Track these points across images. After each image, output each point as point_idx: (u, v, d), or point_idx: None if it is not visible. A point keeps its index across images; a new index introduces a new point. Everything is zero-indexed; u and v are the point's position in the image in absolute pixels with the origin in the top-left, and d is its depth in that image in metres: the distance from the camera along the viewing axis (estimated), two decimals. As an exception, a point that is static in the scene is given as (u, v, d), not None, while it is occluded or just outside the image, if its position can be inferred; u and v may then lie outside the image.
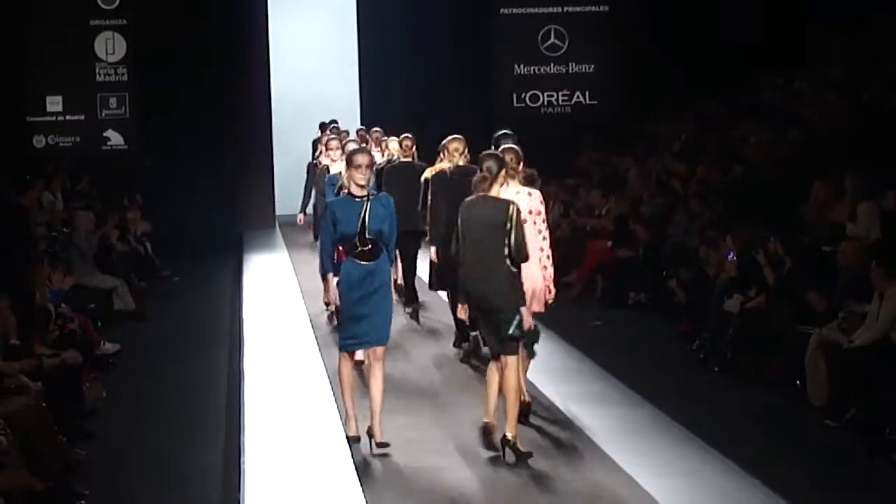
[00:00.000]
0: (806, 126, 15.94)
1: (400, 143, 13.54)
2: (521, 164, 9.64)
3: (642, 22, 21.90)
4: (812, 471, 8.87)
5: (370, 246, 8.98)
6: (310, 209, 16.64)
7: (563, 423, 9.78)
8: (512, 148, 9.72)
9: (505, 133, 10.50)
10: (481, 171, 8.97)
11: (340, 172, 10.94)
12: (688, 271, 13.62)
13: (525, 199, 9.41)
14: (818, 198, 12.73)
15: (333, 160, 13.61)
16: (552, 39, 22.57)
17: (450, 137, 11.73)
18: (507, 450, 8.80)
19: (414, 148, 13.45)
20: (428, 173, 11.92)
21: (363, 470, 8.73)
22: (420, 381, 11.21)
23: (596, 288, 15.50)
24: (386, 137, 15.17)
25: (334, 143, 14.28)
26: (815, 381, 10.22)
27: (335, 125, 19.70)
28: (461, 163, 11.51)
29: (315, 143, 23.15)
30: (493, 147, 10.01)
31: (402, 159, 13.47)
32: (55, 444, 8.79)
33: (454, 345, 12.19)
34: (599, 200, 16.90)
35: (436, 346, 12.59)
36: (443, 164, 11.68)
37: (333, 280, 9.09)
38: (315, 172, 15.61)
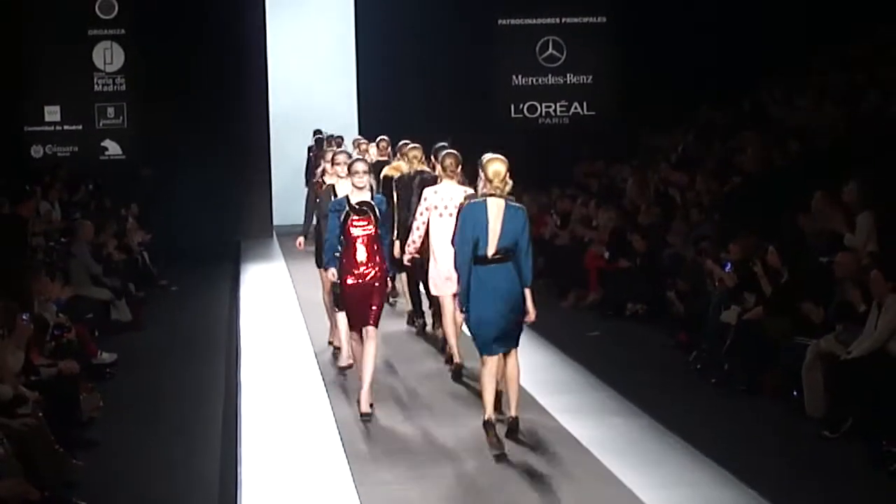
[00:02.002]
0: (804, 136, 15.95)
1: (377, 145, 14.92)
2: (460, 167, 11.22)
3: (640, 33, 21.95)
4: (809, 482, 8.86)
5: None
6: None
7: (560, 434, 9.77)
8: (452, 152, 11.30)
9: (443, 145, 11.97)
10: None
11: (347, 196, 10.44)
12: (685, 282, 13.62)
13: (462, 196, 10.51)
14: (819, 208, 12.72)
15: (340, 176, 11.60)
16: (550, 50, 22.62)
17: (410, 146, 12.95)
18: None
19: (389, 149, 15.03)
20: (390, 171, 13.32)
21: (361, 481, 8.72)
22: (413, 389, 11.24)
23: (593, 298, 15.53)
24: (366, 141, 16.28)
25: (342, 158, 11.83)
26: (813, 393, 10.23)
27: (338, 137, 19.72)
28: (419, 168, 12.68)
29: (310, 150, 23.18)
30: (433, 158, 11.99)
31: (378, 158, 15.03)
32: (52, 454, 8.79)
33: (408, 323, 13.66)
34: (596, 211, 16.90)
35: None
36: (402, 166, 12.99)
37: None
38: (317, 192, 12.75)
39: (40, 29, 21.49)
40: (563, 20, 22.64)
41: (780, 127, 17.03)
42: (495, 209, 9.22)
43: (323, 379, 11.62)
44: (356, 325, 10.40)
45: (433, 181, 11.80)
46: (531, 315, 9.38)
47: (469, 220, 9.25)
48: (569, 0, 22.65)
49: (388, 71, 22.13)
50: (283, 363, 12.50)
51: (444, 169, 11.33)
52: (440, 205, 11.25)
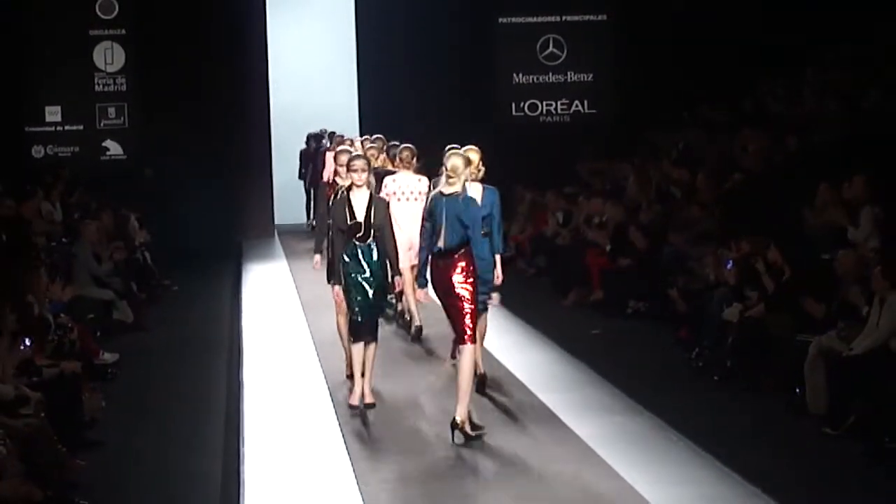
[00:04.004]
0: (806, 133, 15.94)
1: (362, 144, 14.98)
2: (415, 158, 12.83)
3: (641, 30, 21.92)
4: (811, 479, 8.87)
5: None
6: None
7: (562, 431, 9.78)
8: (408, 146, 12.91)
9: (395, 144, 13.89)
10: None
11: (441, 192, 9.75)
12: (687, 279, 13.62)
13: (416, 184, 12.64)
14: (823, 200, 12.71)
15: (358, 185, 10.48)
16: (551, 48, 22.59)
17: (369, 144, 14.54)
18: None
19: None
20: None
21: (362, 477, 8.73)
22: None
23: (595, 297, 15.54)
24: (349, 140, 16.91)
25: (359, 164, 10.57)
26: (815, 389, 10.23)
27: (337, 136, 19.72)
28: (377, 164, 13.61)
29: (304, 155, 23.16)
30: (387, 154, 13.94)
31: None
32: (55, 454, 8.80)
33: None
34: (599, 208, 16.88)
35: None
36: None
37: None
38: (327, 196, 11.67)
39: (41, 29, 21.44)
40: (564, 18, 22.59)
41: (781, 124, 17.02)
42: (475, 192, 10.19)
43: (325, 378, 11.62)
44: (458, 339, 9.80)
45: (387, 173, 13.24)
46: (499, 278, 10.54)
47: None
48: (569, -2, 22.66)
49: (388, 70, 22.11)
50: (285, 363, 12.50)
51: (401, 161, 13.00)
52: (398, 191, 12.71)
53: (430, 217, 9.72)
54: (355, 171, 10.48)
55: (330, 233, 10.83)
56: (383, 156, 14.45)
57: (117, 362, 12.58)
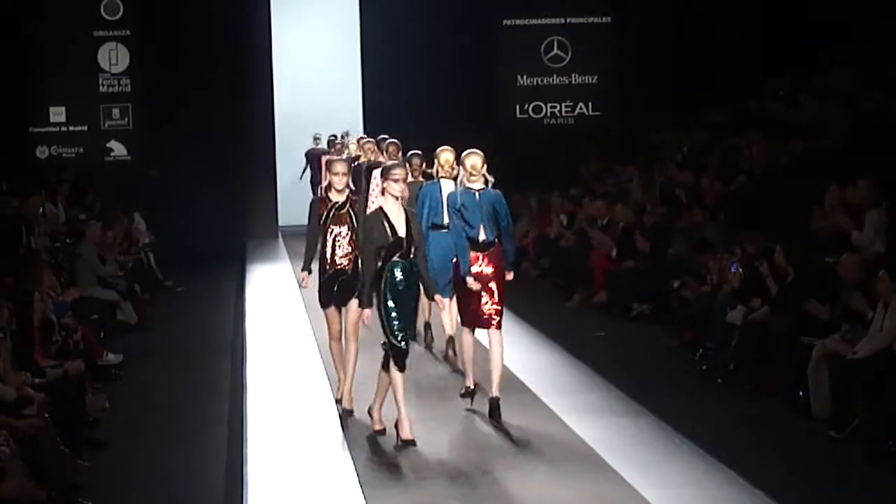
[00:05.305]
0: (808, 135, 15.93)
1: (358, 142, 15.67)
2: (400, 152, 13.32)
3: (644, 33, 21.92)
4: (815, 482, 8.86)
5: None
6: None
7: (566, 434, 9.77)
8: (393, 141, 13.70)
9: (383, 137, 14.60)
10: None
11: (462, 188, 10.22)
12: (691, 282, 13.61)
13: None
14: (832, 202, 12.69)
15: (395, 195, 9.57)
16: (555, 51, 22.59)
17: (365, 140, 15.27)
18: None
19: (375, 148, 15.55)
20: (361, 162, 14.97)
21: (366, 480, 8.73)
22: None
23: (599, 299, 15.53)
24: (340, 141, 18.23)
25: (399, 173, 9.64)
26: (818, 393, 10.22)
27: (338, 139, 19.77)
28: (370, 158, 14.33)
29: (310, 158, 23.13)
30: (377, 147, 14.54)
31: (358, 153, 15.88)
32: (58, 455, 8.80)
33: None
34: (603, 211, 16.88)
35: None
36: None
37: None
38: (321, 212, 10.49)
39: (45, 30, 21.48)
40: (568, 20, 22.60)
41: (784, 126, 17.00)
42: (447, 188, 11.25)
43: (329, 380, 11.60)
44: (469, 323, 10.52)
45: (374, 165, 13.22)
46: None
47: (428, 196, 11.54)
48: (573, 0, 22.64)
49: (392, 71, 22.12)
50: (288, 364, 12.49)
51: (388, 154, 13.60)
52: None
53: (465, 211, 10.16)
54: (395, 180, 9.47)
55: (317, 249, 10.41)
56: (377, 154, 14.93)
57: (121, 363, 12.62)
